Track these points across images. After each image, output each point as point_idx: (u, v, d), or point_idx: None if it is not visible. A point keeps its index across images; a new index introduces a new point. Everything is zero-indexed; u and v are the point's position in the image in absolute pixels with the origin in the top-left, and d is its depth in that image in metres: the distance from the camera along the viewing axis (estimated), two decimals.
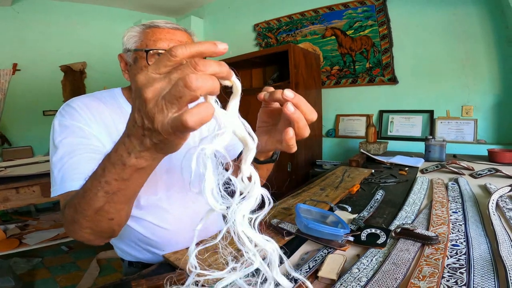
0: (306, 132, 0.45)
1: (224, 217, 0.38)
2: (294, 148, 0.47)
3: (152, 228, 0.84)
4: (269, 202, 0.36)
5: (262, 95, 0.47)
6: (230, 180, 0.35)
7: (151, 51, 0.72)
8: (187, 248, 0.74)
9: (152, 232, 0.84)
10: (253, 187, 0.35)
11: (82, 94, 0.81)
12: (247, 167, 0.36)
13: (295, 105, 0.43)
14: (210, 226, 0.93)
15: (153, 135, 0.34)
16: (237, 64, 2.86)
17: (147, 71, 0.32)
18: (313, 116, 0.44)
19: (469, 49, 2.18)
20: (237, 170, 0.36)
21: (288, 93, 0.42)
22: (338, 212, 0.93)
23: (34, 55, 3.52)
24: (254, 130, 0.38)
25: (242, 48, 3.41)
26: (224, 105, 0.36)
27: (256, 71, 3.15)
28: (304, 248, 0.70)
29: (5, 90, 3.39)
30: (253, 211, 0.36)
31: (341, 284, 0.53)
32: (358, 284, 0.52)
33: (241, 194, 0.35)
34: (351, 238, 0.71)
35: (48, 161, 2.37)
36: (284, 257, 0.38)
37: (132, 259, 0.90)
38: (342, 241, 0.70)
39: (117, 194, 0.46)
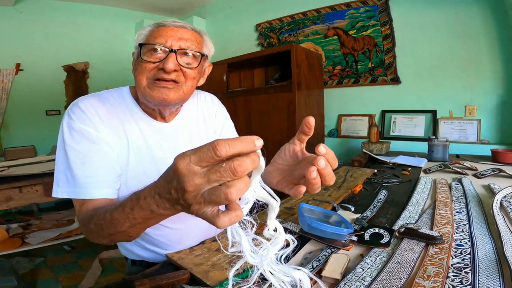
0: (333, 180, 0.47)
1: None
2: (299, 194, 0.51)
3: (156, 227, 0.84)
4: (294, 242, 0.42)
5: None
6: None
7: (146, 45, 0.73)
8: (190, 248, 0.74)
9: (156, 230, 0.84)
10: (278, 236, 0.41)
11: (84, 94, 0.81)
12: (272, 222, 0.41)
13: (328, 160, 0.46)
14: (211, 227, 0.93)
15: (185, 209, 0.38)
16: (239, 64, 2.86)
17: (189, 160, 0.33)
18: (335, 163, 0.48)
19: (472, 49, 2.17)
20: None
21: (322, 148, 0.46)
22: (341, 212, 0.93)
23: (37, 55, 3.53)
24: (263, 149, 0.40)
25: (244, 48, 3.41)
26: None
27: (258, 71, 3.15)
28: (307, 248, 0.70)
29: (8, 90, 3.40)
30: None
31: (345, 284, 0.53)
32: (362, 283, 0.52)
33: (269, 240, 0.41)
34: (355, 238, 0.70)
35: (50, 160, 2.38)
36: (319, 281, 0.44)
37: (135, 258, 0.90)
38: (345, 240, 0.70)
39: (141, 224, 0.50)
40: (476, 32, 2.13)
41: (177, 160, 0.34)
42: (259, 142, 0.34)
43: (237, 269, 0.42)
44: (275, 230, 0.41)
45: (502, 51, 2.06)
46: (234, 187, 0.32)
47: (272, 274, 0.40)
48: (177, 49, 0.73)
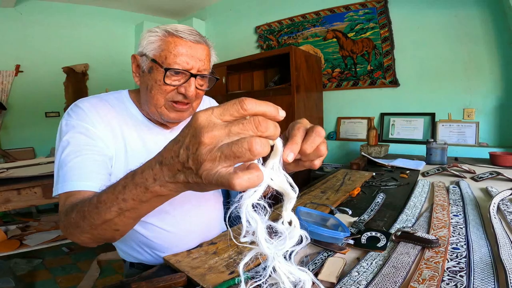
0: (323, 151, 0.44)
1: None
2: (316, 166, 0.48)
3: (154, 230, 0.84)
4: (306, 239, 0.38)
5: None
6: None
7: (169, 69, 0.73)
8: (188, 251, 0.74)
9: (154, 234, 0.84)
10: (293, 230, 0.38)
11: (84, 96, 0.82)
12: (287, 214, 0.39)
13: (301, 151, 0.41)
14: (212, 229, 0.94)
15: (190, 176, 0.34)
16: (238, 66, 2.87)
17: (211, 112, 0.31)
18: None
19: (471, 51, 2.17)
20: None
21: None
22: (338, 215, 0.93)
23: (37, 56, 3.54)
24: None
25: (243, 50, 3.42)
26: None
27: (257, 74, 3.15)
28: (304, 251, 0.70)
29: (8, 92, 3.40)
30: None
31: (340, 287, 0.53)
32: (358, 287, 0.52)
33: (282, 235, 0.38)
34: (351, 241, 0.71)
35: (49, 162, 2.38)
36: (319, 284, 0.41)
37: (133, 260, 0.90)
38: (342, 244, 0.70)
39: (130, 211, 0.46)
40: (475, 34, 2.14)
41: (197, 113, 0.32)
42: (282, 112, 0.33)
43: (247, 263, 0.38)
44: (290, 223, 0.39)
45: (501, 53, 2.07)
46: (258, 139, 0.29)
47: (282, 271, 0.37)
48: (196, 74, 0.75)
